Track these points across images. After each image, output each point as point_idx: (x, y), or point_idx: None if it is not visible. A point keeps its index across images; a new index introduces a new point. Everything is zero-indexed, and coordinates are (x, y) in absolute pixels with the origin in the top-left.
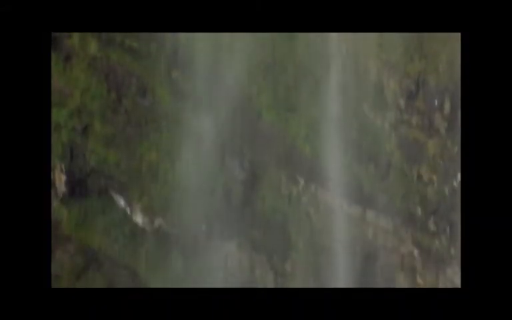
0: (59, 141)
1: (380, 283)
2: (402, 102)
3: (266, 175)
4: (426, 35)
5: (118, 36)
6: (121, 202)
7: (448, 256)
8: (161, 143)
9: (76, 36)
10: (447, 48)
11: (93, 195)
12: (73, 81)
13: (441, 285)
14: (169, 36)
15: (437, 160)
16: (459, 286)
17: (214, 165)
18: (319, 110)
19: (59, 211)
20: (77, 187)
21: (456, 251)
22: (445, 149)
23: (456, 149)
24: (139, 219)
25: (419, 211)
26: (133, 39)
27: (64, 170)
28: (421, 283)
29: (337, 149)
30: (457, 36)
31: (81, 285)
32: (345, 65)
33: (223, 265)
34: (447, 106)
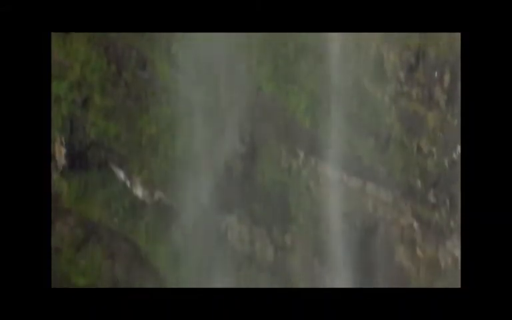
0: (58, 114)
1: (380, 255)
2: (402, 74)
3: (266, 148)
4: None
5: None
6: (121, 175)
7: (448, 228)
8: (160, 117)
9: None
10: None
11: (92, 168)
12: (73, 54)
13: (440, 258)
14: None
15: (437, 132)
16: (459, 258)
17: (214, 138)
18: (318, 83)
19: (59, 184)
20: (77, 160)
21: (455, 224)
22: (444, 121)
23: (456, 122)
24: (138, 191)
25: (418, 183)
26: None
27: (64, 143)
28: (421, 255)
29: (337, 121)
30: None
31: (80, 256)
32: (345, 38)
33: (223, 238)
34: (447, 78)
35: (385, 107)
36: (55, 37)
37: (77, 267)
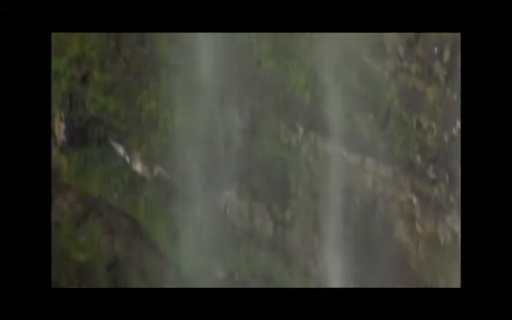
0: (58, 90)
1: (379, 230)
2: (401, 49)
3: (265, 124)
4: None
5: None
6: (121, 150)
7: (447, 203)
8: (160, 92)
9: None
10: None
11: (92, 144)
12: None
13: (440, 233)
14: None
15: (437, 107)
16: (459, 233)
17: (213, 113)
18: (318, 58)
19: (59, 160)
20: (77, 136)
21: (455, 199)
22: (444, 96)
23: (455, 97)
24: (138, 167)
25: (418, 158)
26: None
27: (63, 118)
28: (420, 230)
29: (337, 97)
30: None
31: (80, 232)
32: None
33: (223, 214)
34: (447, 54)
35: (384, 83)
36: None
37: (77, 242)
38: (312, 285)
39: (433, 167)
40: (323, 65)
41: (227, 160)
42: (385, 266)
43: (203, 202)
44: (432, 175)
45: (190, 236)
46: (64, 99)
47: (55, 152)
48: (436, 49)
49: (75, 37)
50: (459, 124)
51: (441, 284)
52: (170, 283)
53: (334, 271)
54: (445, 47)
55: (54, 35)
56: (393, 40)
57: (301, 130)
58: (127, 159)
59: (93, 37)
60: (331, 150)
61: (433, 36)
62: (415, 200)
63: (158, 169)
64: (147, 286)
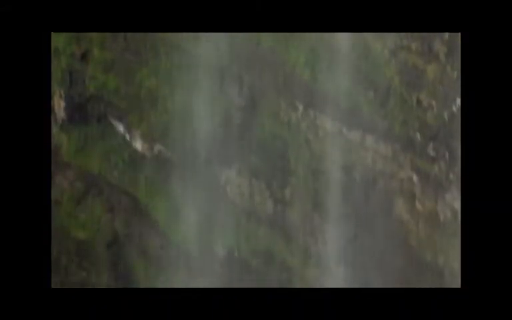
0: (58, 67)
1: (379, 208)
2: None
3: (265, 102)
4: None
5: None
6: (120, 128)
7: (447, 181)
8: (160, 69)
9: None
10: None
11: (92, 121)
12: None
13: (439, 210)
14: None
15: (437, 85)
16: (458, 210)
17: (213, 91)
18: (318, 35)
19: (59, 137)
20: (76, 113)
21: (455, 176)
22: (444, 74)
23: (455, 74)
24: (138, 144)
25: (418, 136)
26: None
27: (63, 96)
28: (420, 208)
29: (337, 75)
30: None
31: (80, 209)
32: None
33: (223, 192)
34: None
35: (384, 60)
36: None
37: (77, 220)
38: (312, 262)
39: (433, 144)
40: (322, 43)
41: (227, 138)
42: (385, 243)
43: (202, 180)
44: (432, 153)
45: (190, 214)
46: (64, 76)
47: (54, 129)
48: None
49: None
50: (459, 101)
51: (441, 261)
52: (170, 261)
53: (334, 249)
54: None
55: None
56: None
57: (300, 108)
58: (127, 136)
59: None
60: (331, 128)
61: None
62: (414, 177)
63: (158, 147)
64: (147, 263)
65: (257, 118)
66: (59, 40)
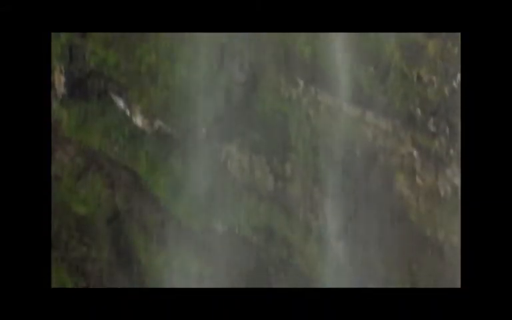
0: (58, 42)
1: (379, 183)
2: None
3: (266, 77)
4: None
5: None
6: (121, 103)
7: (447, 157)
8: (160, 45)
9: None
10: None
11: (92, 97)
12: None
13: (440, 186)
14: None
15: (437, 61)
16: (459, 186)
17: (213, 66)
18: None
19: (59, 113)
20: (77, 89)
21: (455, 152)
22: (444, 49)
23: (456, 50)
24: (138, 120)
25: (418, 111)
26: None
27: (63, 71)
28: (420, 183)
29: (337, 50)
30: None
31: (80, 185)
32: None
33: (223, 167)
34: None
35: (384, 36)
36: None
37: (77, 195)
38: (312, 238)
39: (433, 120)
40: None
41: (228, 114)
42: (385, 218)
43: (203, 155)
44: (432, 128)
45: (190, 189)
46: (64, 52)
47: (55, 105)
48: None
49: None
50: (459, 77)
51: (441, 236)
52: (170, 237)
53: (334, 224)
54: None
55: None
56: None
57: (301, 83)
58: (127, 112)
59: None
60: (332, 103)
61: None
62: (415, 153)
63: (158, 123)
64: (147, 239)
65: (257, 94)
66: None
